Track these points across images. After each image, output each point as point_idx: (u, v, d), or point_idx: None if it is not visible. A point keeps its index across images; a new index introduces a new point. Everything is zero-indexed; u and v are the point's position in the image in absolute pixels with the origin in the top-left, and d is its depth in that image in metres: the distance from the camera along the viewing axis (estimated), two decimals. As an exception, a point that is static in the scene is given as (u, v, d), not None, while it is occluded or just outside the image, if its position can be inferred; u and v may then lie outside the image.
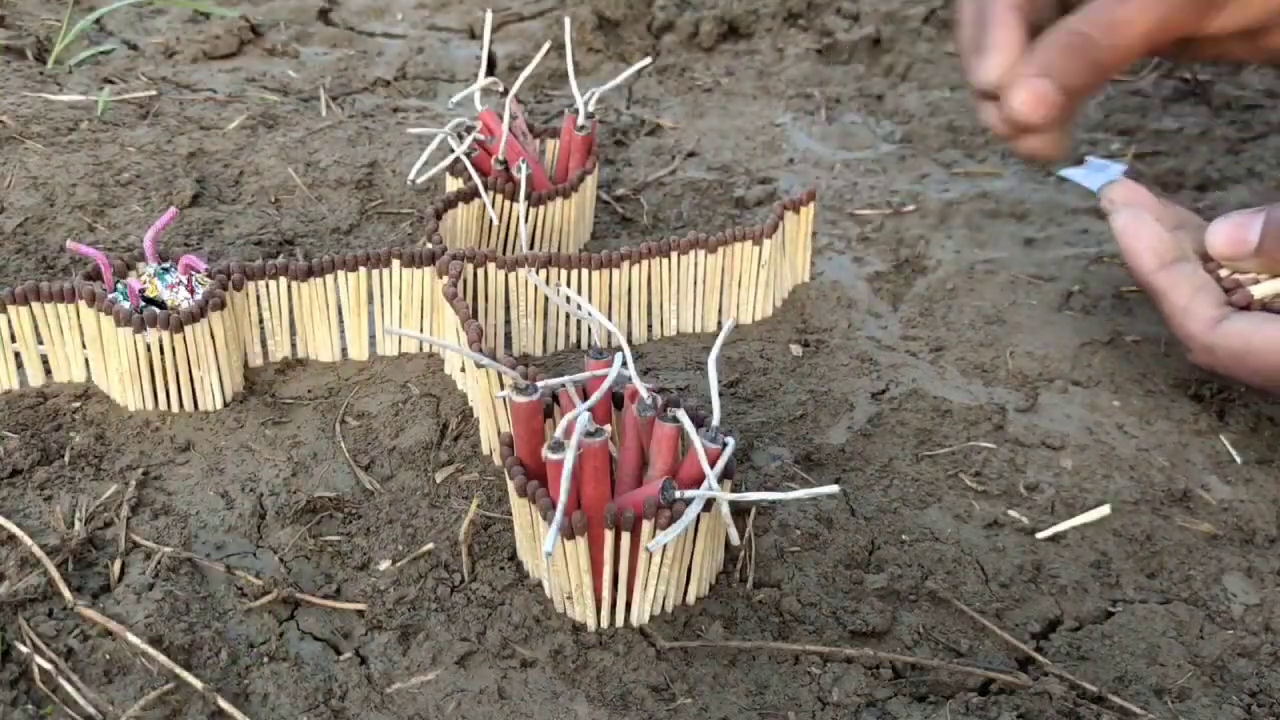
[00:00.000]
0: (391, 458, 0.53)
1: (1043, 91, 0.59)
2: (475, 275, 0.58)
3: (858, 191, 0.81)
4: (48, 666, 0.41)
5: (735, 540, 0.41)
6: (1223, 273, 0.55)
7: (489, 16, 0.72)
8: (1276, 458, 0.55)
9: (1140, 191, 0.59)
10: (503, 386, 0.50)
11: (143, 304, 0.53)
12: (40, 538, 0.47)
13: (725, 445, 0.42)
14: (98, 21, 1.04)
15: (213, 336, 0.54)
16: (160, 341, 0.53)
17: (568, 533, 0.41)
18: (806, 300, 0.67)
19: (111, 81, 0.88)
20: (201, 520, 0.49)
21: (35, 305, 0.54)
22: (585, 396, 0.46)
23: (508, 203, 0.66)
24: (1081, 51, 0.59)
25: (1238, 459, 0.55)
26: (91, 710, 0.40)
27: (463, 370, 0.57)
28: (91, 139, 0.77)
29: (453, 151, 0.67)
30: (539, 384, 0.43)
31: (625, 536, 0.41)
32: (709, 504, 0.42)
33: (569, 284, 0.60)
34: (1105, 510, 0.51)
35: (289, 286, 0.57)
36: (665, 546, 0.42)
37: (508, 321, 0.60)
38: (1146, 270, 0.56)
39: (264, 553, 0.48)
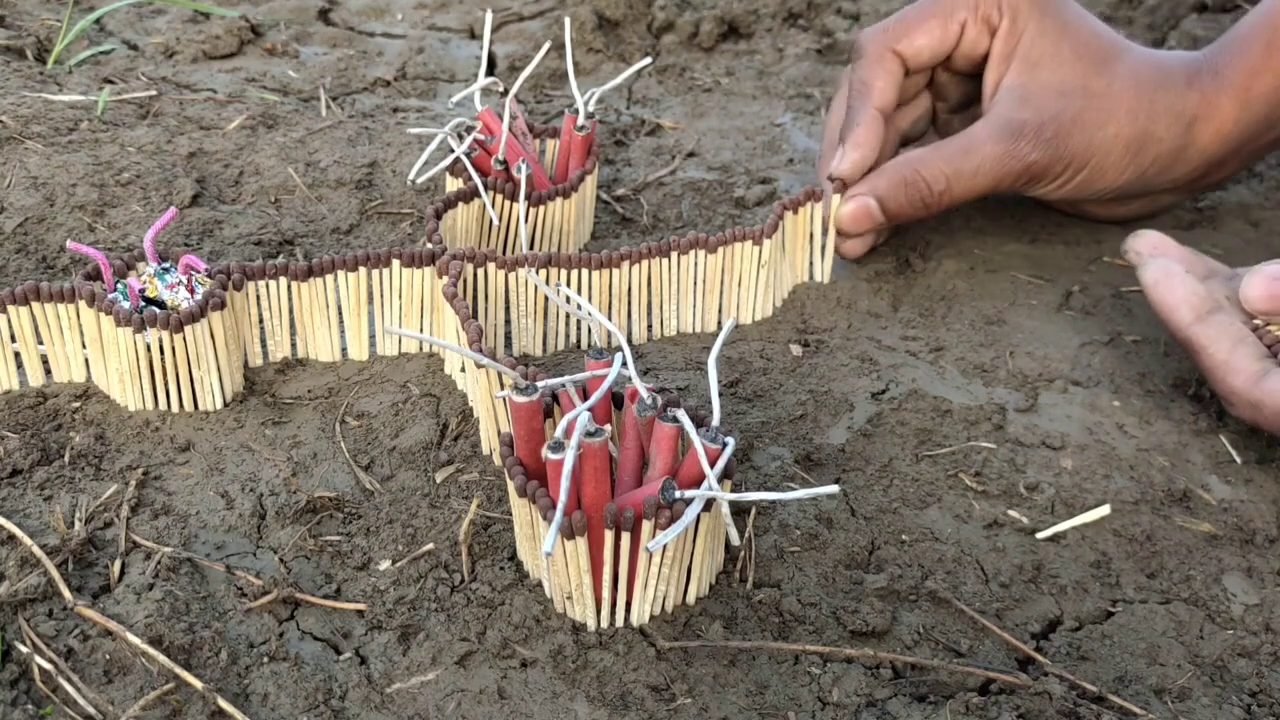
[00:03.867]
0: (391, 458, 0.53)
1: (868, 211, 0.64)
2: (475, 275, 0.58)
3: (858, 191, 0.81)
4: (48, 666, 0.41)
5: (735, 540, 0.41)
6: (1256, 322, 0.54)
7: (489, 16, 0.72)
8: (1276, 458, 0.55)
9: (1167, 241, 0.58)
10: (503, 386, 0.50)
11: (143, 304, 0.53)
12: (40, 538, 0.47)
13: (725, 445, 0.42)
14: (98, 21, 1.04)
15: (213, 336, 0.54)
16: (160, 341, 0.53)
17: (568, 533, 0.41)
18: (806, 300, 0.67)
19: (111, 81, 0.88)
20: (201, 520, 0.49)
21: (35, 305, 0.54)
22: (585, 396, 0.46)
23: (508, 203, 0.66)
24: (914, 190, 0.64)
25: (1238, 459, 0.55)
26: (91, 710, 0.40)
27: (463, 370, 0.57)
28: (91, 139, 0.77)
29: (453, 151, 0.67)
30: (539, 384, 0.43)
31: (625, 536, 0.41)
32: (709, 504, 0.42)
33: (569, 284, 0.60)
34: (1105, 510, 0.51)
35: (289, 286, 0.57)
36: (665, 546, 0.42)
37: (508, 321, 0.60)
38: (1183, 324, 0.55)
39: (264, 553, 0.48)
